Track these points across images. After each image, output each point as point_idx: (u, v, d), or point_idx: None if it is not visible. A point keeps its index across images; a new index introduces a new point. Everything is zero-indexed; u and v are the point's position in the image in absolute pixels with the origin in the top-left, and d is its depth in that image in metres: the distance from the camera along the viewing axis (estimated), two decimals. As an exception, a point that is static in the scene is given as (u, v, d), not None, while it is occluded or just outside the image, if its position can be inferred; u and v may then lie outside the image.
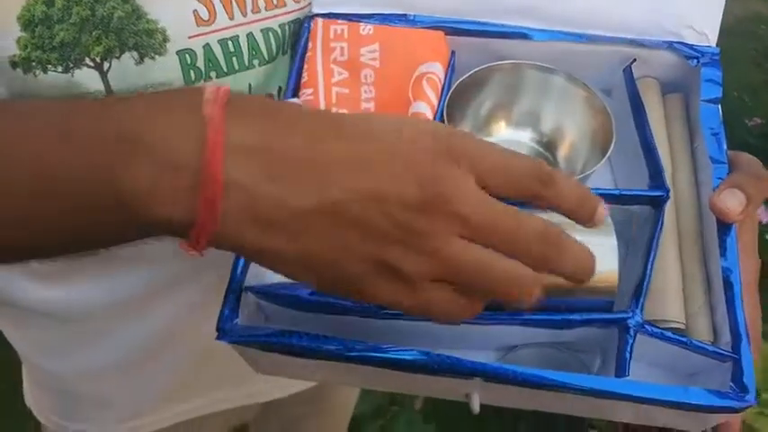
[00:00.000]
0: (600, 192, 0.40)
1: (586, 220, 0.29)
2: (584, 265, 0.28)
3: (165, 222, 0.26)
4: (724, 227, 0.38)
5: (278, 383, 0.61)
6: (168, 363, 0.54)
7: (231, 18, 0.42)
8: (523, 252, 0.27)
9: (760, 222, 1.46)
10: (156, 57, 0.40)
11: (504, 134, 0.46)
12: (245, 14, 0.42)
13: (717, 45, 0.44)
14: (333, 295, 0.30)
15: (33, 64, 0.37)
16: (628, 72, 0.44)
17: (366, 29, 0.43)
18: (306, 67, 0.43)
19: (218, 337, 0.36)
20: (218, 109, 0.25)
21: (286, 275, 0.28)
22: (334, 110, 0.42)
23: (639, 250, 0.39)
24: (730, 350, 0.35)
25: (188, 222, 0.26)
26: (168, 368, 0.55)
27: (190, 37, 0.40)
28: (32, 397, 0.61)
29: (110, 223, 0.27)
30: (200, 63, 0.41)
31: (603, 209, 0.29)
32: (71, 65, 0.38)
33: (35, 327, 0.52)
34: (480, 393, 0.37)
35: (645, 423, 0.38)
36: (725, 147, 0.40)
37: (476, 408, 0.38)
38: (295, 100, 0.42)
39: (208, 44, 0.41)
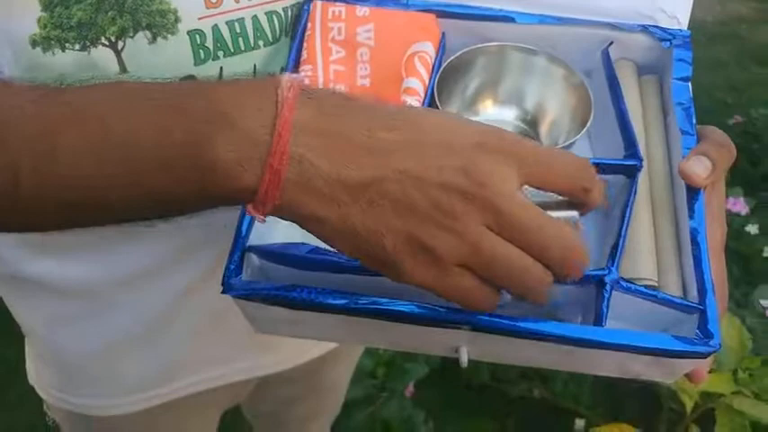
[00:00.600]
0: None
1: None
2: (580, 268, 0.32)
3: (237, 189, 0.30)
4: (692, 191, 0.41)
5: (275, 357, 0.64)
6: (170, 337, 0.56)
7: (237, 1, 0.44)
8: (541, 254, 0.31)
9: (738, 214, 1.50)
10: (169, 36, 0.42)
11: (491, 112, 0.49)
12: None
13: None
14: (372, 269, 0.32)
15: (52, 42, 0.39)
16: (605, 53, 0.47)
17: (362, 11, 0.46)
18: (305, 45, 0.46)
19: (224, 291, 0.38)
20: (291, 94, 0.30)
21: (331, 245, 0.32)
22: (331, 85, 0.45)
23: (616, 216, 0.43)
24: (697, 303, 0.38)
25: (255, 189, 0.29)
26: (170, 342, 0.56)
27: (200, 18, 0.43)
28: (35, 373, 0.62)
29: (184, 190, 0.31)
30: (209, 43, 0.44)
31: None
32: (88, 44, 0.40)
33: (40, 301, 0.54)
34: (469, 348, 0.40)
35: (622, 375, 0.41)
36: (694, 120, 0.43)
37: (464, 361, 0.41)
38: (295, 75, 0.45)
39: (216, 25, 0.44)
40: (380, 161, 0.29)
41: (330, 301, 0.37)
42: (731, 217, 1.49)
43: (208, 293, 0.53)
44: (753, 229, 1.48)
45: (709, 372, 0.91)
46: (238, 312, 0.41)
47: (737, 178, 1.72)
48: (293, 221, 0.31)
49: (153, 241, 0.49)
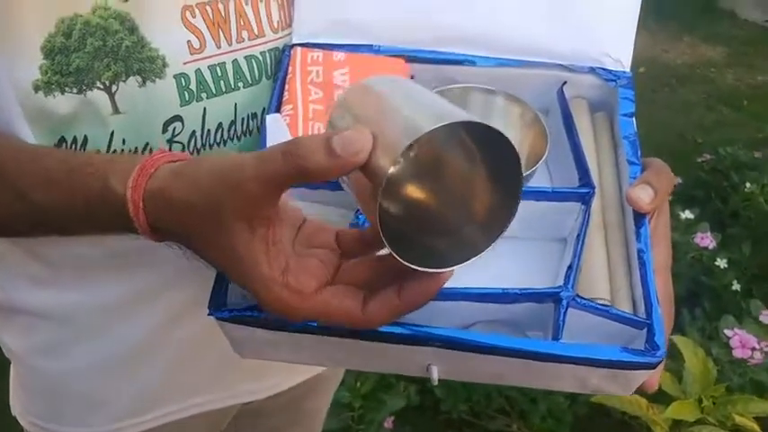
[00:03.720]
0: (536, 190, 0.47)
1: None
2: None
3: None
4: (639, 216, 0.45)
5: (260, 385, 0.66)
6: (154, 364, 0.58)
7: (218, 47, 0.48)
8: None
9: (706, 248, 1.55)
10: (157, 80, 0.46)
11: None
12: (230, 44, 0.49)
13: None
14: None
15: (53, 87, 0.43)
16: (560, 92, 0.52)
17: (338, 56, 0.50)
18: (287, 87, 0.50)
19: (210, 313, 0.41)
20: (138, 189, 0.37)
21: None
22: (310, 123, 0.48)
23: (572, 239, 0.46)
24: (645, 318, 0.41)
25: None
26: (154, 370, 0.58)
27: (184, 63, 0.47)
28: (19, 403, 0.63)
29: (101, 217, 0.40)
30: (193, 85, 0.47)
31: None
32: (84, 87, 0.44)
33: (32, 328, 0.56)
34: (438, 365, 0.43)
35: (583, 390, 0.44)
36: (639, 152, 0.48)
37: (434, 378, 0.43)
38: (277, 115, 0.49)
39: (199, 69, 0.47)
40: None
41: (306, 322, 0.40)
42: (700, 252, 1.54)
43: (192, 322, 0.55)
44: (722, 263, 1.53)
45: (676, 399, 0.94)
46: (220, 340, 0.43)
47: (707, 214, 1.78)
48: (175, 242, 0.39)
49: (143, 270, 0.52)
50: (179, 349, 0.57)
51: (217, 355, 0.59)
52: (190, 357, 0.58)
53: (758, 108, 2.66)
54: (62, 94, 0.43)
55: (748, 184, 1.86)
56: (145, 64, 0.45)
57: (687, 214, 1.62)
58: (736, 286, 1.52)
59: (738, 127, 2.52)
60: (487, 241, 0.36)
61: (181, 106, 0.47)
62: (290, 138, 0.48)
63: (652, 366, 0.40)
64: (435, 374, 0.43)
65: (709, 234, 1.53)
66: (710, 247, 1.52)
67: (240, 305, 0.41)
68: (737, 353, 1.05)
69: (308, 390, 0.73)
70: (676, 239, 1.55)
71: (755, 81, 2.89)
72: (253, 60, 0.50)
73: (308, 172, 0.32)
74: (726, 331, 1.09)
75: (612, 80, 0.51)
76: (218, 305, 0.41)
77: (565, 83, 0.52)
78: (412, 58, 0.51)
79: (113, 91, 0.45)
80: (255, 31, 0.50)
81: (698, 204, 1.80)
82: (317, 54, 0.50)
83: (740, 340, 1.05)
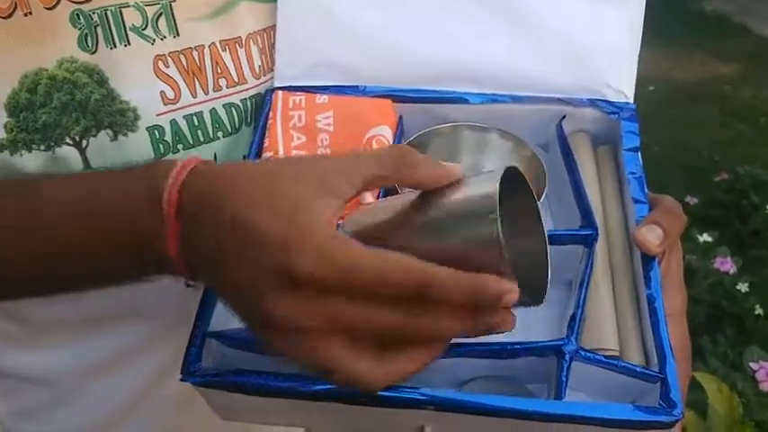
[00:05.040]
0: (534, 233, 0.44)
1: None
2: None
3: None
4: (648, 259, 0.41)
5: None
6: (140, 424, 0.55)
7: (194, 96, 0.46)
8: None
9: (726, 273, 1.50)
10: (129, 133, 0.44)
11: None
12: (206, 93, 0.46)
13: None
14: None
15: (19, 145, 0.41)
16: (559, 127, 0.49)
17: (321, 98, 0.48)
18: (267, 133, 0.47)
19: (183, 379, 0.38)
20: (174, 190, 0.33)
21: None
22: None
23: (576, 285, 0.43)
24: (657, 371, 0.38)
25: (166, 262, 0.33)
26: (140, 430, 0.56)
27: (158, 114, 0.45)
28: None
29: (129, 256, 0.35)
30: (168, 137, 0.45)
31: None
32: (53, 144, 0.42)
33: (12, 391, 0.54)
34: (433, 426, 0.40)
35: None
36: (646, 189, 0.45)
37: (430, 440, 0.40)
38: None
39: (174, 120, 0.45)
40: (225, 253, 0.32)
41: (287, 385, 0.37)
42: (721, 276, 1.49)
43: (174, 381, 0.52)
44: (743, 287, 1.47)
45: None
46: (202, 400, 0.41)
47: (726, 235, 1.73)
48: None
49: (122, 330, 0.50)
50: (163, 408, 0.54)
51: (200, 414, 0.56)
52: (173, 415, 0.55)
53: (776, 125, 2.61)
54: (29, 151, 0.41)
55: (769, 205, 1.81)
56: (116, 117, 0.43)
57: (705, 237, 1.57)
58: (759, 311, 1.46)
59: (756, 144, 2.46)
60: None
61: (155, 159, 0.45)
62: None
63: (669, 426, 0.36)
64: (430, 436, 0.40)
65: (729, 258, 1.48)
66: (731, 271, 1.46)
67: (210, 371, 0.39)
68: (764, 386, 1.00)
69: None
70: (694, 264, 1.50)
71: (773, 97, 2.84)
72: (233, 108, 0.48)
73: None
74: (751, 364, 1.04)
75: (615, 113, 0.48)
76: (191, 371, 0.38)
77: (564, 117, 0.49)
78: (399, 97, 0.49)
79: (84, 146, 0.43)
80: (235, 78, 0.48)
81: (716, 226, 1.75)
82: (300, 98, 0.48)
83: (766, 373, 1.00)
